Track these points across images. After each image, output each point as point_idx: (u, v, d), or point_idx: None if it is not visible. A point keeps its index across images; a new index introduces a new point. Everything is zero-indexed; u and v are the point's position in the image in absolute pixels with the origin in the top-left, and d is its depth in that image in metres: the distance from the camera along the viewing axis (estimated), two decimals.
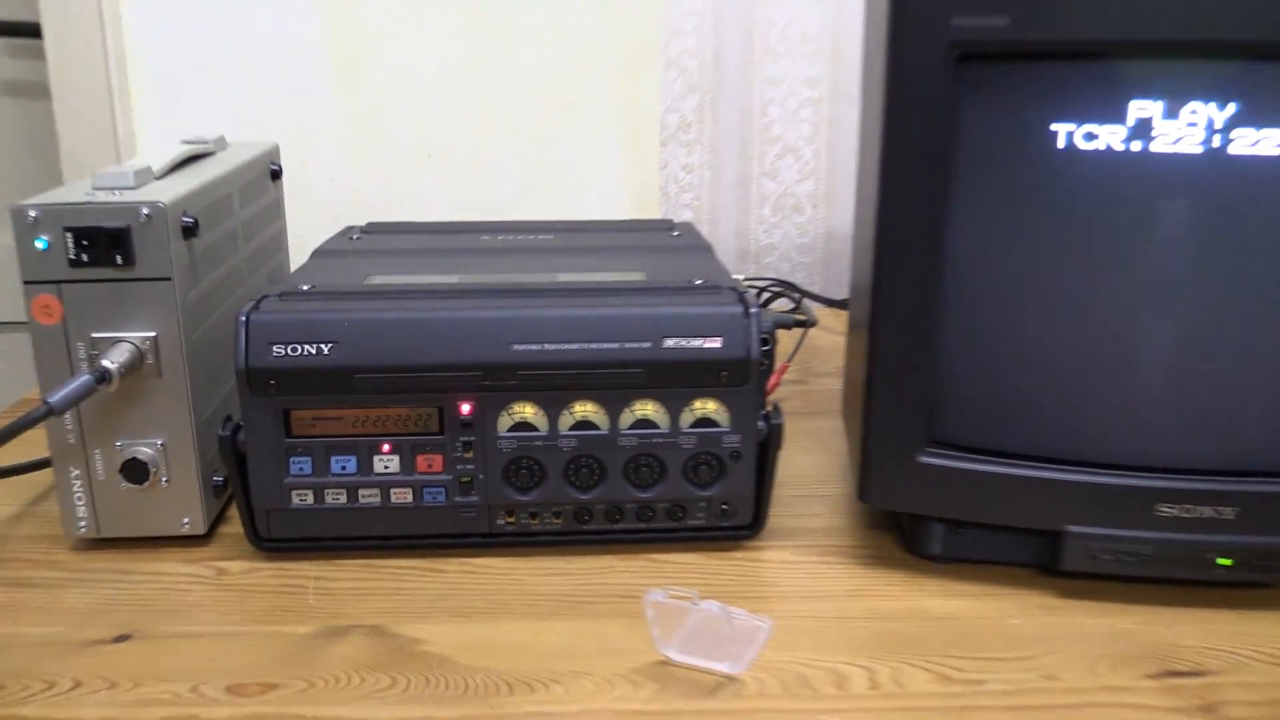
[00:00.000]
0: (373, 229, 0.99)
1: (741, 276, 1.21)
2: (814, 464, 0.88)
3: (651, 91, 1.26)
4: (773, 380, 0.99)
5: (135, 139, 1.26)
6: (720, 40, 1.24)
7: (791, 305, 1.17)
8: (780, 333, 1.06)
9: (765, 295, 1.21)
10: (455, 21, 1.24)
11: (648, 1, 1.23)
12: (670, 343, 0.69)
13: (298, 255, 1.05)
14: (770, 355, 0.71)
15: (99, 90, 1.24)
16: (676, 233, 0.96)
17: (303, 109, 1.25)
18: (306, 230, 1.26)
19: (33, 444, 0.77)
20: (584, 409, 0.70)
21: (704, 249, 0.90)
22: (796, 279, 1.30)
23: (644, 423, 0.71)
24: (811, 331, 1.08)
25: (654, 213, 1.29)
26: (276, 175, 0.95)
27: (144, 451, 0.72)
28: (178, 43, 1.24)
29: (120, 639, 0.65)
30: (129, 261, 0.69)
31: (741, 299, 0.71)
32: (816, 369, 1.08)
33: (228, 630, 0.66)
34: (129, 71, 1.25)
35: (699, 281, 0.76)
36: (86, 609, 0.68)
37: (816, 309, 1.15)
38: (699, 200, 1.28)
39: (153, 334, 0.71)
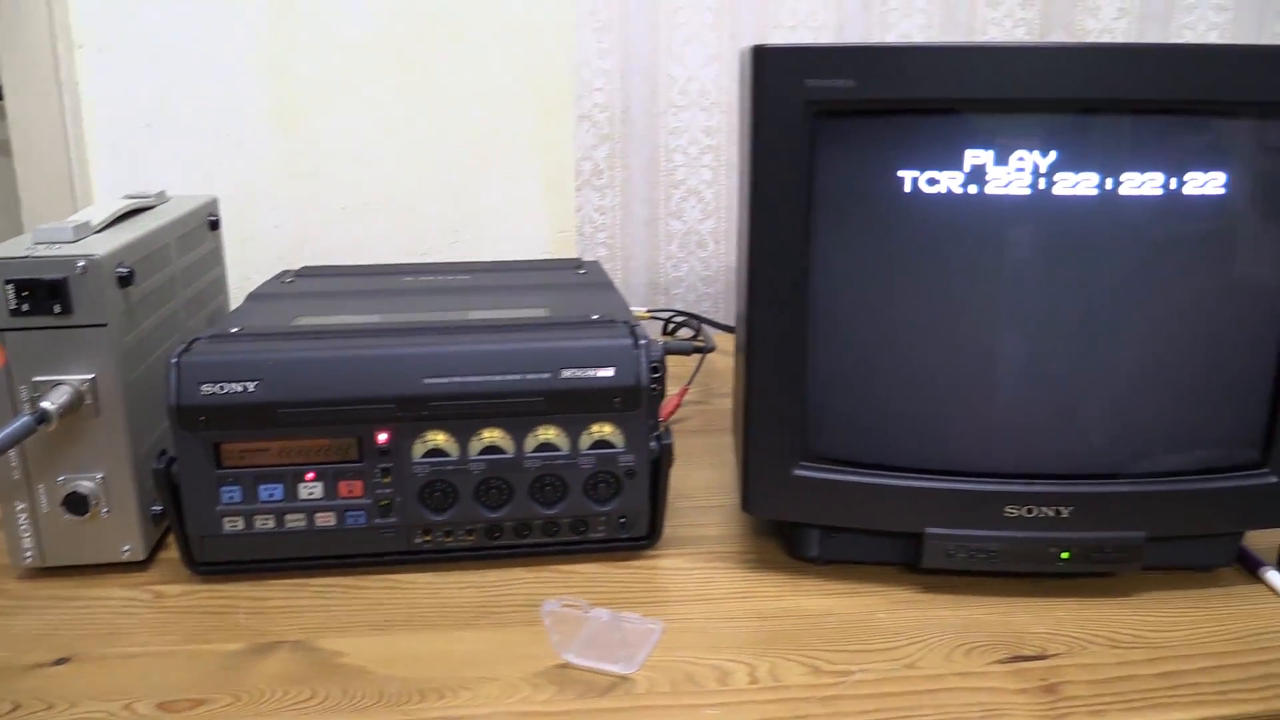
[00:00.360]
0: (306, 273, 0.97)
1: (645, 309, 1.21)
2: (710, 477, 0.88)
3: (567, 142, 1.26)
4: (673, 402, 0.99)
5: (92, 193, 1.23)
6: (627, 95, 1.24)
7: (692, 333, 1.17)
8: (683, 359, 1.07)
9: (670, 325, 1.21)
10: (388, 82, 1.23)
11: (561, 62, 1.24)
12: (568, 373, 0.69)
13: (243, 297, 1.03)
14: (661, 382, 0.71)
15: (57, 148, 1.22)
16: (583, 270, 0.96)
17: (248, 162, 1.23)
18: (254, 273, 1.24)
19: None
20: (491, 435, 0.70)
21: (605, 285, 0.90)
22: (702, 308, 1.30)
23: (546, 446, 0.70)
24: (713, 356, 1.08)
25: (572, 252, 1.29)
26: (215, 225, 0.93)
27: (85, 485, 0.70)
28: (131, 103, 1.21)
29: (60, 661, 0.63)
30: (67, 310, 0.67)
31: (633, 332, 0.71)
32: (717, 390, 1.08)
33: (162, 650, 0.64)
34: (85, 131, 1.22)
35: (595, 316, 0.75)
36: (30, 634, 0.66)
37: (717, 335, 1.16)
38: (612, 239, 1.28)
39: (91, 376, 0.69)
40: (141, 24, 1.19)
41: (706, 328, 1.17)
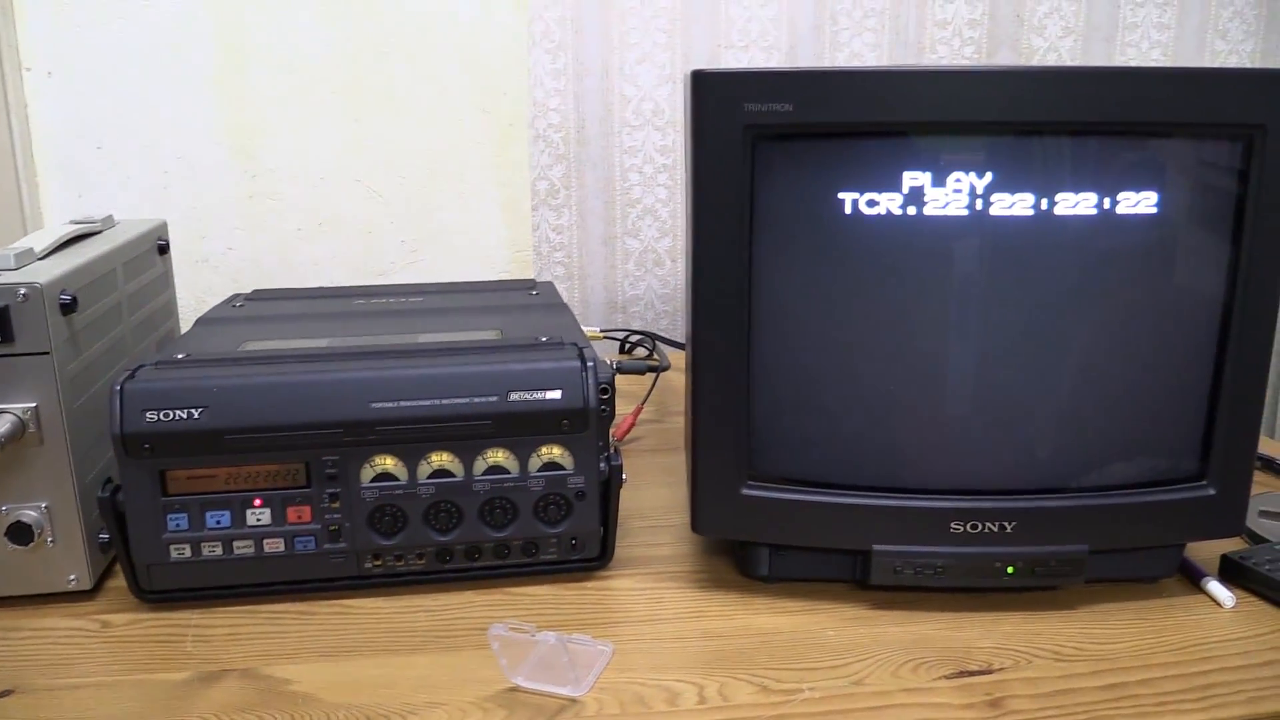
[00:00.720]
0: (257, 296, 0.97)
1: (600, 329, 1.22)
2: (663, 496, 0.88)
3: (522, 162, 1.26)
4: (629, 420, 0.99)
5: (42, 216, 1.22)
6: (582, 115, 1.25)
7: (647, 352, 1.18)
8: (639, 377, 1.07)
9: (627, 344, 1.22)
10: (342, 103, 1.23)
11: (515, 82, 1.24)
12: (515, 396, 0.69)
13: (189, 323, 1.03)
14: (610, 403, 0.72)
15: (5, 171, 1.20)
16: (535, 292, 0.96)
17: (200, 185, 1.23)
18: (210, 296, 1.23)
19: None
20: (440, 458, 0.70)
21: (558, 306, 0.90)
22: (660, 326, 1.31)
23: (496, 469, 0.70)
24: (669, 374, 1.09)
25: (529, 271, 1.29)
26: (164, 249, 0.93)
27: (29, 514, 0.70)
28: (81, 126, 1.21)
29: (3, 694, 0.62)
30: (8, 338, 0.67)
31: (580, 354, 0.72)
32: (672, 408, 1.09)
33: (108, 680, 0.63)
34: (35, 153, 1.21)
35: (544, 338, 0.76)
36: None
37: (672, 354, 1.16)
38: (569, 258, 1.29)
39: (33, 404, 0.68)
40: (91, 46, 1.18)
41: (662, 346, 1.17)
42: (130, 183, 1.22)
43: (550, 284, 1.00)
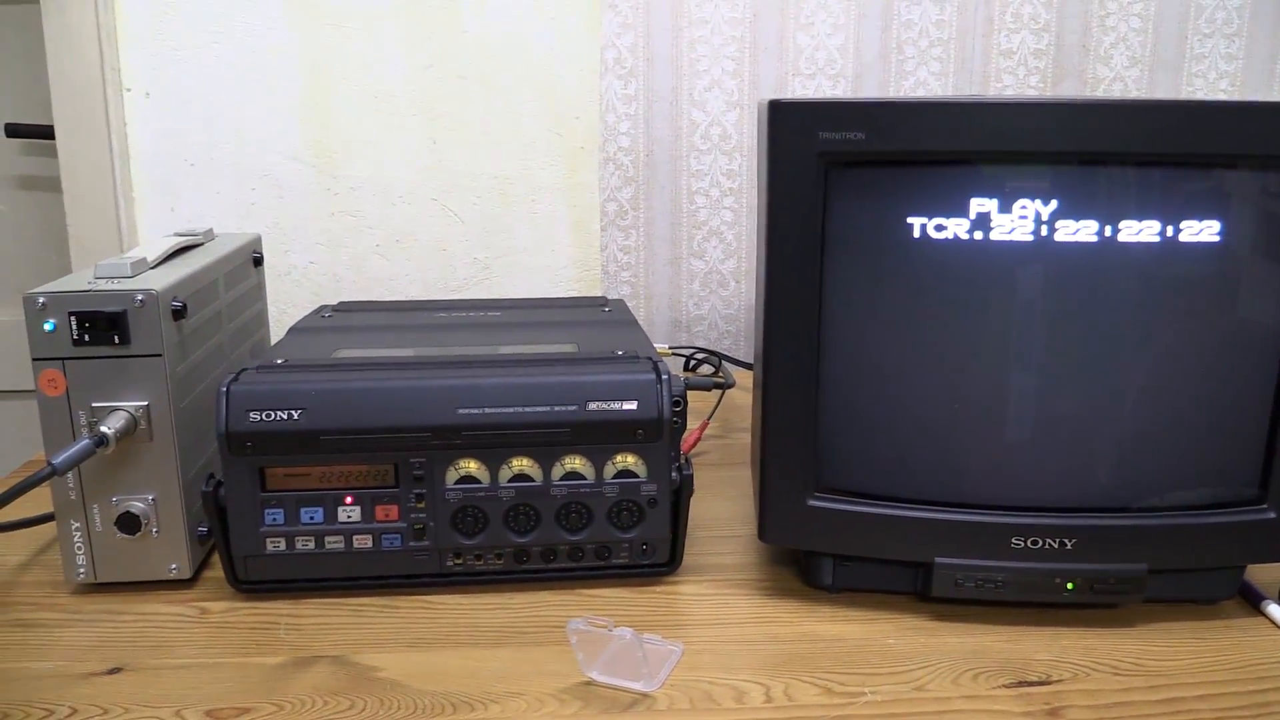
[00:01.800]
0: (343, 308, 1.02)
1: (667, 346, 1.26)
2: (729, 509, 0.91)
3: (592, 184, 1.31)
4: (694, 435, 1.03)
5: (136, 229, 1.30)
6: (651, 139, 1.30)
7: (713, 369, 1.21)
8: (705, 393, 1.11)
9: (692, 361, 1.26)
10: (420, 126, 1.29)
11: (587, 107, 1.29)
12: (593, 406, 0.73)
13: (281, 329, 1.08)
14: (682, 415, 0.75)
15: (104, 186, 1.28)
16: (608, 308, 1.00)
17: (284, 201, 1.29)
18: (290, 308, 1.30)
19: (38, 501, 0.79)
20: (520, 464, 0.74)
21: (630, 323, 0.94)
22: (723, 346, 1.35)
23: (572, 475, 0.74)
24: (733, 392, 1.13)
25: (596, 289, 1.34)
26: (258, 262, 0.99)
27: (137, 506, 0.75)
28: (176, 144, 1.28)
29: (113, 671, 0.67)
30: (125, 340, 0.73)
31: (655, 367, 0.76)
32: (736, 425, 1.12)
33: (208, 662, 0.68)
34: (132, 170, 1.29)
35: (620, 352, 0.80)
36: (83, 645, 0.70)
37: (736, 372, 1.20)
38: (636, 278, 1.33)
39: (145, 403, 0.74)
40: (186, 69, 1.26)
41: (727, 364, 1.21)
42: (220, 199, 1.29)
43: (621, 301, 1.04)
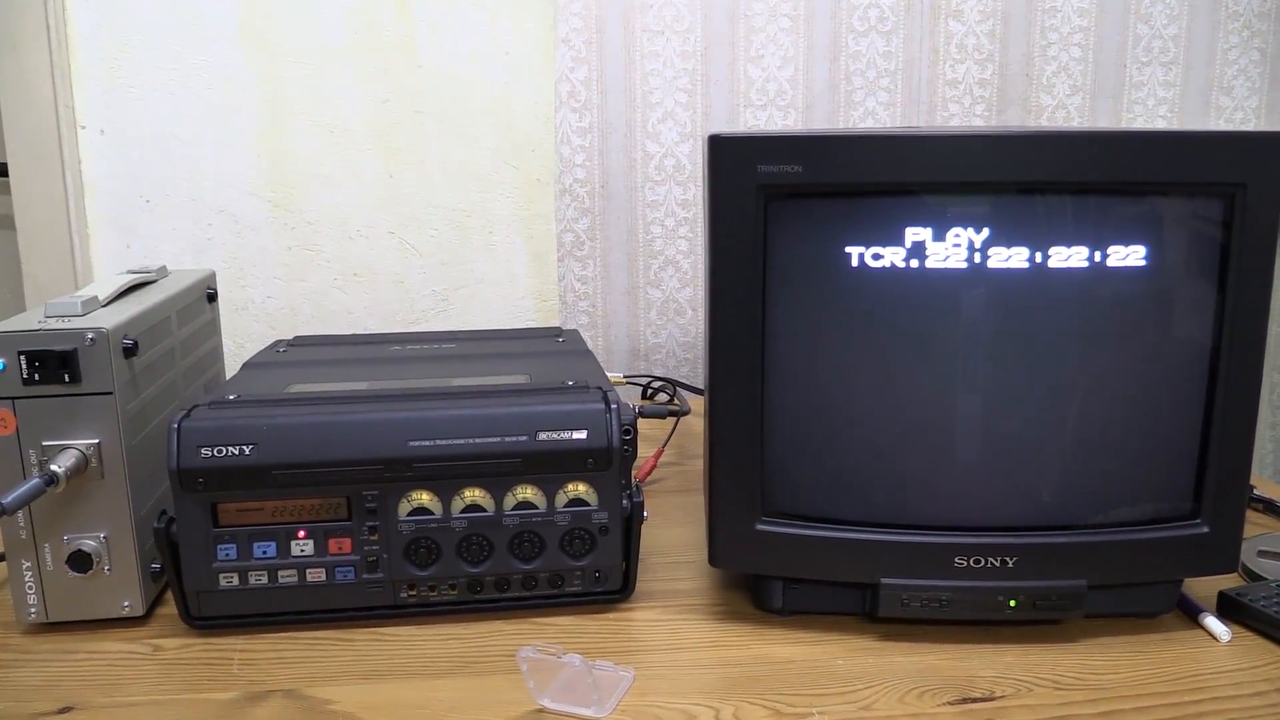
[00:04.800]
0: (298, 342, 1.03)
1: (623, 374, 1.27)
2: (683, 535, 0.93)
3: (549, 215, 1.33)
4: (650, 462, 1.04)
5: (92, 266, 1.30)
6: (606, 171, 1.32)
7: (668, 397, 1.23)
8: (660, 421, 1.13)
9: (649, 389, 1.28)
10: (377, 160, 1.30)
11: (543, 139, 1.31)
12: (543, 436, 0.75)
13: (239, 364, 1.09)
14: (633, 443, 0.77)
15: (59, 223, 1.28)
16: (561, 339, 1.02)
17: (241, 237, 1.30)
18: (248, 341, 1.30)
19: None
20: (473, 494, 0.75)
21: (583, 353, 0.96)
22: (681, 373, 1.37)
23: (524, 504, 0.76)
24: (689, 419, 1.14)
25: (555, 319, 1.35)
26: (212, 298, 1.00)
27: (88, 544, 0.75)
28: (131, 181, 1.29)
29: (63, 710, 0.67)
30: (75, 379, 0.73)
31: (605, 397, 0.77)
32: (692, 452, 1.14)
33: (161, 699, 0.68)
34: (87, 206, 1.29)
35: (570, 382, 0.81)
36: (34, 686, 0.70)
37: (692, 399, 1.22)
38: (594, 307, 1.35)
39: (96, 441, 0.74)
40: (141, 106, 1.27)
41: (682, 392, 1.23)
42: (176, 234, 1.30)
43: (576, 331, 1.06)
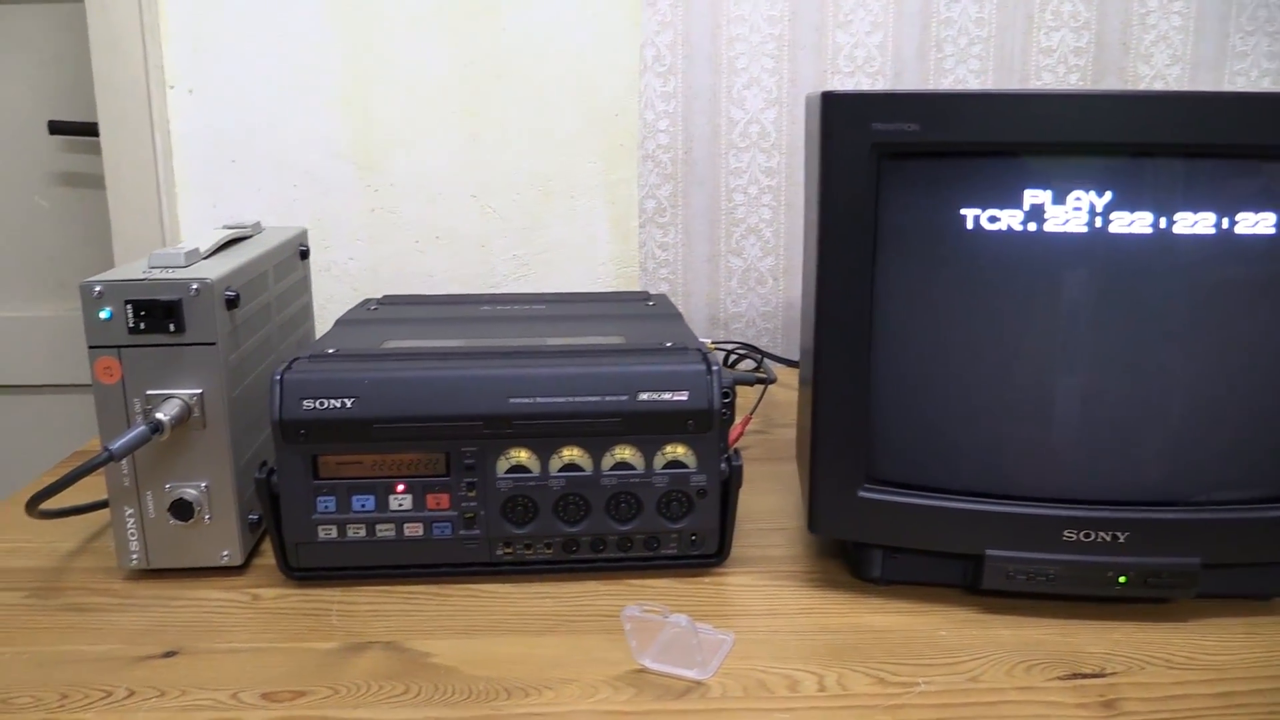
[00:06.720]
0: (388, 301, 1.03)
1: (709, 340, 1.26)
2: (773, 502, 0.92)
3: (631, 181, 1.32)
4: (737, 430, 1.03)
5: (179, 225, 1.31)
6: (689, 137, 1.30)
7: (754, 365, 1.22)
8: (745, 389, 1.11)
9: (732, 356, 1.26)
10: (460, 122, 1.30)
11: (626, 104, 1.30)
12: (644, 396, 0.74)
13: (323, 324, 1.09)
14: (731, 407, 0.76)
15: (148, 182, 1.30)
16: (651, 303, 1.01)
17: (325, 197, 1.31)
18: (329, 303, 1.31)
19: (88, 489, 0.80)
20: (571, 453, 0.75)
21: (675, 316, 0.95)
22: (760, 343, 1.35)
23: (622, 465, 0.75)
24: (773, 388, 1.13)
25: (634, 286, 1.34)
26: (305, 255, 1.00)
27: (190, 493, 0.76)
28: (218, 141, 1.30)
29: (168, 654, 0.68)
30: (180, 329, 0.74)
31: (705, 359, 0.76)
32: (777, 421, 1.12)
33: (261, 646, 0.69)
34: (175, 165, 1.30)
35: (669, 344, 0.80)
36: (138, 629, 0.71)
37: (776, 368, 1.20)
38: (674, 274, 1.34)
39: (199, 391, 0.75)
40: (229, 66, 1.28)
41: (767, 361, 1.21)
42: (260, 195, 1.31)
43: (664, 295, 1.05)
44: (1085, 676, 0.65)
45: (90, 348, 0.74)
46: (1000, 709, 0.62)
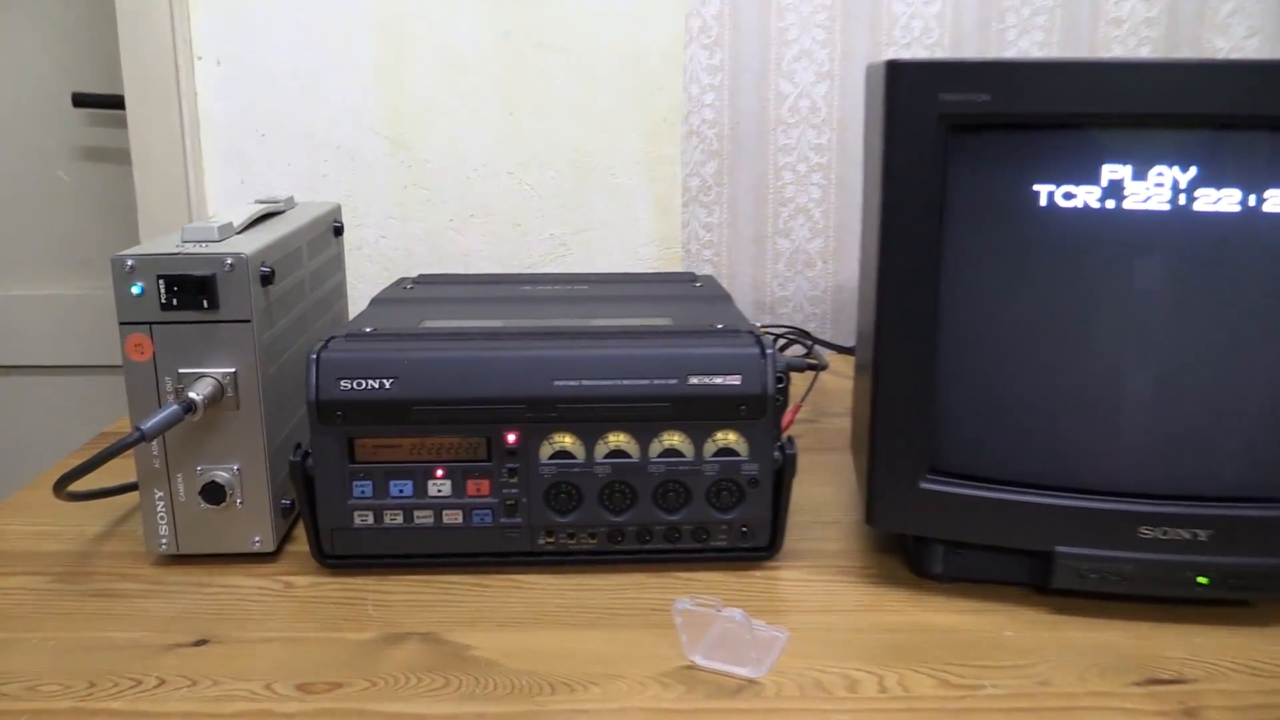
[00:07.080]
0: (424, 280, 1.03)
1: (759, 324, 1.25)
2: (826, 494, 0.90)
3: (674, 158, 1.31)
4: (787, 418, 1.02)
5: (206, 200, 1.32)
6: (736, 112, 1.29)
7: (804, 351, 1.20)
8: (794, 375, 1.10)
9: (781, 341, 1.25)
10: (497, 97, 1.29)
11: (670, 78, 1.29)
12: (694, 380, 0.73)
13: (355, 302, 1.09)
14: (784, 392, 0.75)
15: (175, 156, 1.30)
16: (699, 284, 1.00)
17: (357, 173, 1.31)
18: (361, 281, 1.31)
19: (116, 470, 0.80)
20: (617, 439, 0.74)
21: (724, 298, 0.94)
22: (809, 328, 1.33)
23: (671, 452, 0.74)
24: (823, 376, 1.11)
25: (677, 268, 1.33)
26: (339, 232, 1.00)
27: (221, 475, 0.76)
28: (247, 114, 1.30)
29: (199, 643, 0.68)
30: (214, 305, 0.73)
31: (759, 341, 0.75)
32: (827, 409, 1.11)
33: (296, 636, 0.69)
34: (202, 140, 1.31)
35: (720, 326, 0.79)
36: (168, 617, 0.71)
37: (827, 355, 1.19)
38: (718, 256, 1.32)
39: (233, 370, 0.75)
40: (258, 38, 1.27)
41: (818, 347, 1.20)
42: (290, 170, 1.31)
43: (711, 277, 1.04)
44: (1163, 683, 0.64)
45: (121, 324, 0.74)
46: (1073, 715, 0.61)
